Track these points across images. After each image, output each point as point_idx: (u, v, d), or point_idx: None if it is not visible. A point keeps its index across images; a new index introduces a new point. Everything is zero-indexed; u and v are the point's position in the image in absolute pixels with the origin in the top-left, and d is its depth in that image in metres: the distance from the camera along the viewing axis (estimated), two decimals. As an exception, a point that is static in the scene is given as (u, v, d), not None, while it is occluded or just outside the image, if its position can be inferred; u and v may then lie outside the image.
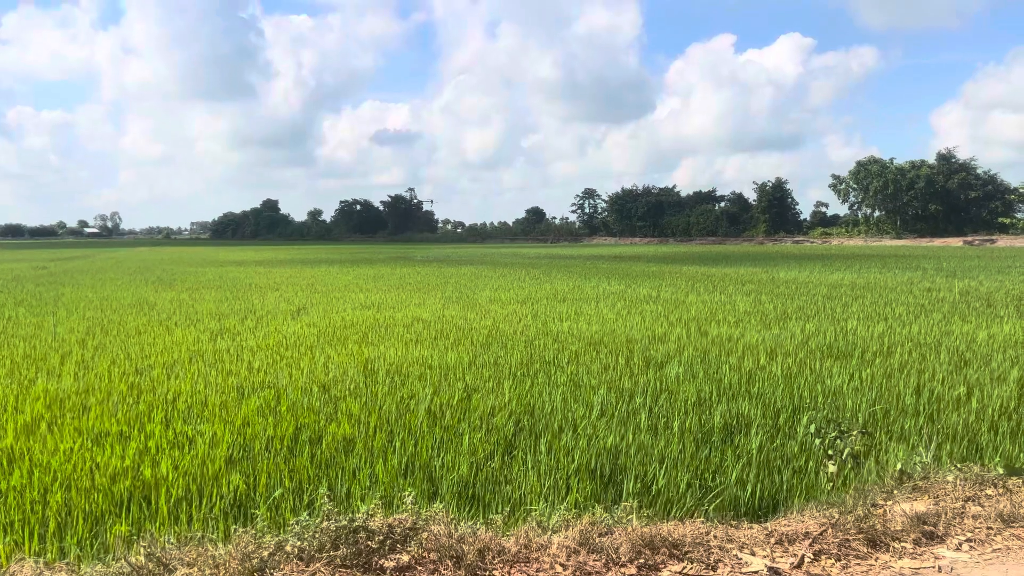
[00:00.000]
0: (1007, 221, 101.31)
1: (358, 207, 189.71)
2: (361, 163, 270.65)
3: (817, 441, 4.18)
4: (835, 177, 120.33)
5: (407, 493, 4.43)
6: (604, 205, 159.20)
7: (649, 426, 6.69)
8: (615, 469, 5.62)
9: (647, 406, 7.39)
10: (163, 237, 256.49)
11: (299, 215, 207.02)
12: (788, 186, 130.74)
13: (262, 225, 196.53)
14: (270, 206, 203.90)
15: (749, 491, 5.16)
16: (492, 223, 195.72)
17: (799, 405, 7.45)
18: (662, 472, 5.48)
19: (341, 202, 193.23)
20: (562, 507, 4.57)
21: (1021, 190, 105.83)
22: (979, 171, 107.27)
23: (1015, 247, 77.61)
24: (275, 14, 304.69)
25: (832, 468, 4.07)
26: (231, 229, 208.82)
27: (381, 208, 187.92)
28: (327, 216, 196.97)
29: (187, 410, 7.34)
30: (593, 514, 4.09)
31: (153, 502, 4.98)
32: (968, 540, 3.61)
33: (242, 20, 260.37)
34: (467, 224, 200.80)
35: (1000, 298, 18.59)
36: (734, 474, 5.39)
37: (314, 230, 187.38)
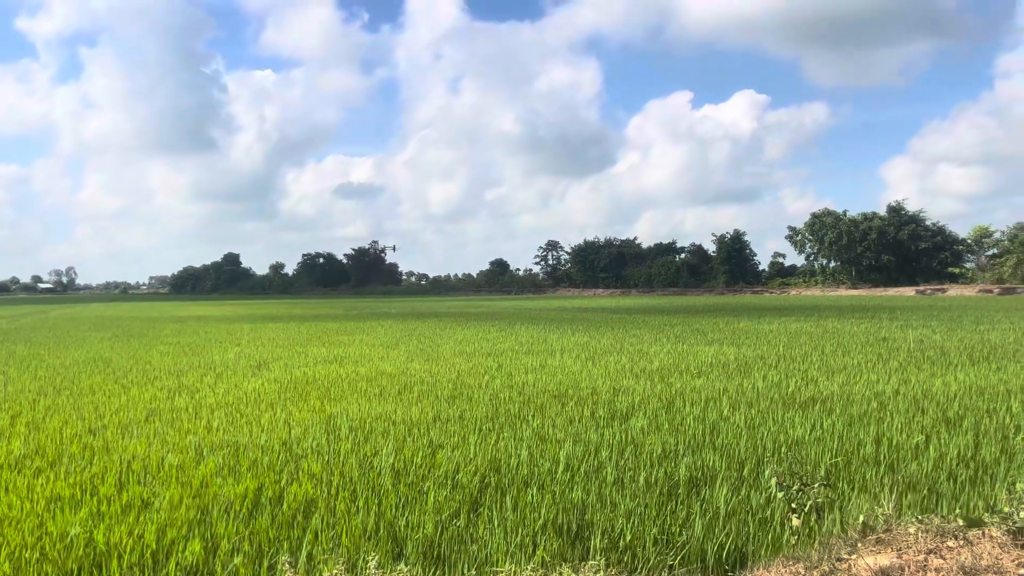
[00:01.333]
0: (956, 271, 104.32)
1: (321, 260, 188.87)
2: (324, 216, 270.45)
3: (781, 494, 4.21)
4: (791, 229, 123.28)
5: (371, 557, 4.34)
6: (567, 257, 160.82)
7: (615, 480, 6.66)
8: (582, 525, 5.57)
9: (613, 459, 7.37)
10: (120, 292, 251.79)
11: (261, 268, 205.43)
12: (746, 237, 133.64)
13: (223, 279, 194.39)
14: (231, 260, 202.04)
15: (716, 545, 5.15)
16: (456, 275, 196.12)
17: (763, 456, 7.49)
18: (629, 527, 5.44)
19: (304, 255, 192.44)
20: (529, 567, 4.51)
21: (969, 241, 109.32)
22: (928, 223, 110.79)
23: (965, 296, 79.83)
24: (238, 69, 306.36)
25: (796, 522, 4.09)
26: (191, 283, 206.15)
27: (344, 261, 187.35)
28: (289, 269, 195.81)
29: (143, 472, 7.13)
30: (560, 574, 4.04)
31: (106, 571, 4.80)
32: (931, 592, 3.63)
33: (205, 75, 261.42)
34: (431, 276, 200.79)
35: (953, 346, 19.03)
36: (700, 528, 5.38)
37: (276, 283, 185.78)
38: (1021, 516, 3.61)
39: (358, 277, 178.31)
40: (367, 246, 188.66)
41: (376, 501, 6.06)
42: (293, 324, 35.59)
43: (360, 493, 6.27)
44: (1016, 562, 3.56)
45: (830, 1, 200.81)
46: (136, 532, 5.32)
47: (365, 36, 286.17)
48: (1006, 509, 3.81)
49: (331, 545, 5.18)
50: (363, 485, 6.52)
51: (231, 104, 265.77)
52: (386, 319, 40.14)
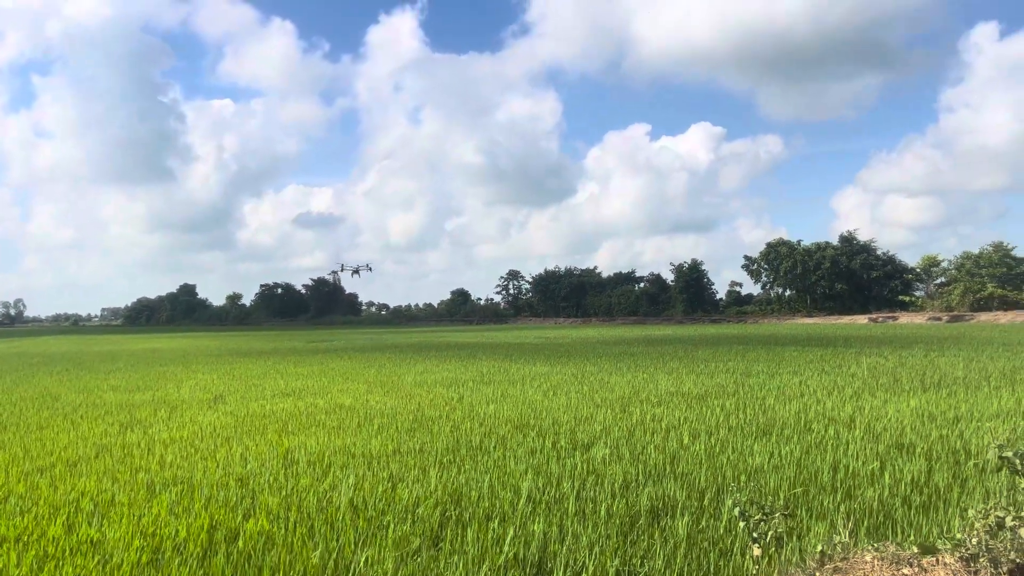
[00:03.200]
0: (907, 299, 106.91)
1: (279, 290, 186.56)
2: (283, 246, 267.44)
3: (742, 524, 4.24)
4: (747, 258, 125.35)
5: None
6: (528, 286, 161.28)
7: (577, 511, 6.65)
8: (544, 557, 5.54)
9: (575, 490, 7.35)
10: (71, 324, 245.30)
11: (218, 299, 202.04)
12: (704, 267, 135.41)
13: (179, 310, 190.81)
14: (187, 291, 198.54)
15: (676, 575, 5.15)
16: (417, 305, 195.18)
17: (723, 485, 7.54)
18: (591, 559, 5.42)
19: (262, 286, 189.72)
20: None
21: (918, 269, 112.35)
22: (879, 252, 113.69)
23: (915, 323, 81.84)
24: (197, 99, 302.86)
25: (757, 551, 4.12)
26: (145, 315, 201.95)
27: (303, 291, 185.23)
28: (247, 300, 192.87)
29: (92, 511, 6.91)
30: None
31: (51, 615, 4.62)
32: (888, 619, 3.67)
33: (162, 104, 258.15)
34: (392, 306, 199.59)
35: (905, 373, 19.45)
36: (662, 559, 5.39)
37: (233, 314, 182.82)
38: (973, 543, 3.70)
39: (317, 307, 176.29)
40: (327, 276, 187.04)
41: (334, 537, 5.96)
42: (252, 354, 34.96)
43: (318, 529, 6.15)
44: (968, 588, 3.63)
45: (782, 37, 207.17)
46: (84, 575, 5.14)
47: (326, 66, 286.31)
48: (959, 536, 3.89)
49: (288, 584, 5.06)
50: (321, 521, 6.40)
51: (189, 134, 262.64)
52: (345, 349, 39.65)
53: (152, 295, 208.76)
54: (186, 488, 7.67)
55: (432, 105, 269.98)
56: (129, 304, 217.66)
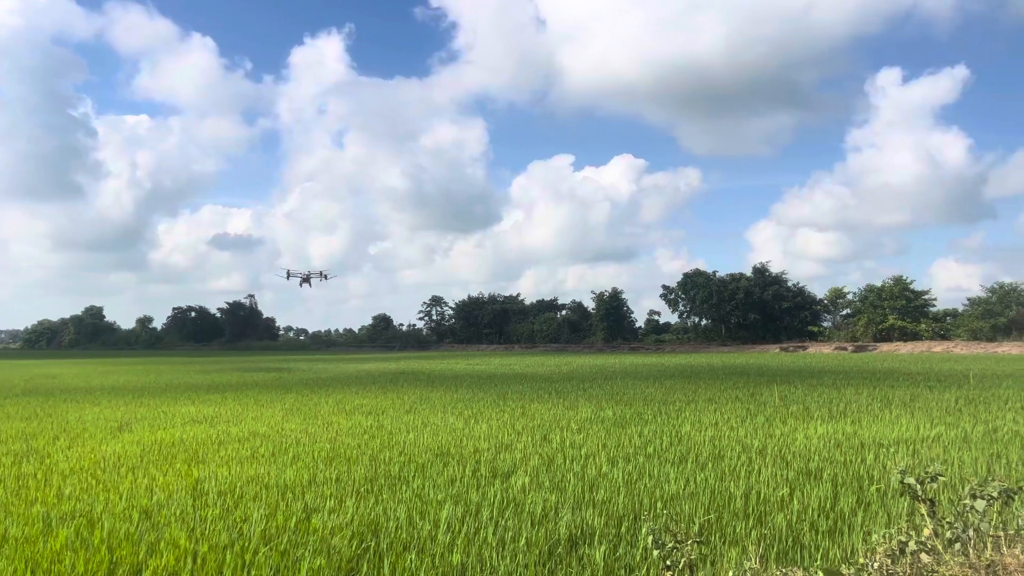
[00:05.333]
0: (815, 329, 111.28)
1: (192, 314, 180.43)
2: (198, 268, 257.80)
3: (656, 552, 4.30)
4: (665, 288, 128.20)
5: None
6: (451, 312, 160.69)
7: (496, 541, 6.61)
8: (462, 589, 5.48)
9: (494, 519, 7.31)
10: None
11: (127, 322, 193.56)
12: (624, 295, 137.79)
13: (84, 333, 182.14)
14: (94, 313, 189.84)
15: (595, 604, 5.17)
16: (338, 330, 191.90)
17: (640, 512, 7.64)
18: (509, 589, 5.39)
19: (174, 309, 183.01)
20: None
21: (825, 301, 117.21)
22: (790, 283, 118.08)
23: (823, 352, 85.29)
24: (110, 113, 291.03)
25: (671, 580, 4.19)
26: (47, 338, 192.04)
27: (218, 315, 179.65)
28: (158, 323, 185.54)
29: (-20, 547, 6.47)
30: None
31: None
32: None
33: (72, 118, 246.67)
34: (311, 332, 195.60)
35: (813, 401, 20.19)
36: (580, 587, 5.40)
37: (143, 338, 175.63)
38: (875, 567, 3.85)
39: (233, 332, 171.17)
40: (244, 299, 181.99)
41: (245, 572, 5.75)
42: (162, 379, 33.54)
43: (228, 564, 5.92)
44: (870, 611, 3.77)
45: (702, 74, 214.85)
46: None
47: (248, 86, 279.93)
48: (861, 560, 4.05)
49: (194, 622, 4.85)
50: (232, 555, 6.17)
51: (100, 149, 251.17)
52: (262, 374, 38.51)
53: (55, 317, 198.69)
54: (86, 522, 7.28)
55: (357, 128, 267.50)
56: (29, 327, 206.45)
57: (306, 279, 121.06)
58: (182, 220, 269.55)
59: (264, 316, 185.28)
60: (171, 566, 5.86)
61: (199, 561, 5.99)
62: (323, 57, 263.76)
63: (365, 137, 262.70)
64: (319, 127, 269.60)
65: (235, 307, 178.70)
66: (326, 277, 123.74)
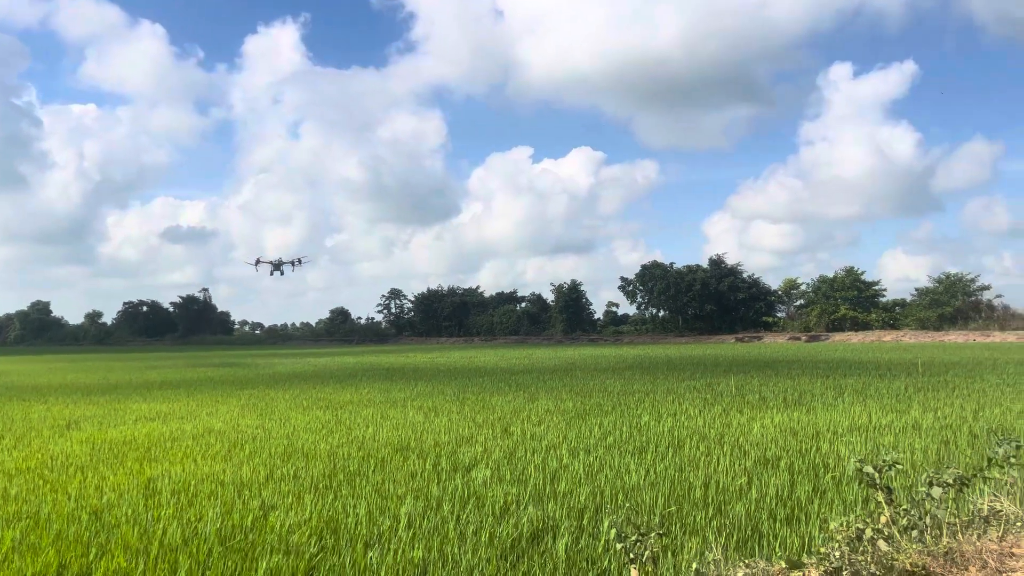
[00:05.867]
0: (770, 320, 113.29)
1: (144, 308, 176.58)
2: (150, 262, 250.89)
3: (619, 545, 4.29)
4: (623, 279, 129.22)
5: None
6: (410, 305, 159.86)
7: (457, 535, 6.55)
8: (423, 585, 5.41)
9: (455, 514, 7.26)
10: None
11: (76, 318, 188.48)
12: (583, 287, 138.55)
13: (29, 329, 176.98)
14: (40, 308, 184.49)
15: (557, 598, 5.15)
16: (295, 324, 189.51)
17: (601, 504, 7.65)
18: (471, 584, 5.34)
19: (125, 303, 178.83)
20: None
21: (780, 292, 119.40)
22: (745, 275, 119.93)
23: (777, 343, 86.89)
24: (54, 102, 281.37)
25: (634, 572, 4.18)
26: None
27: (171, 309, 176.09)
28: (108, 318, 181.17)
29: (-82, 553, 6.21)
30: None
31: None
32: (759, 633, 3.79)
33: (15, 107, 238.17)
34: (267, 326, 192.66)
35: (769, 391, 20.51)
36: (542, 581, 5.37)
37: (92, 334, 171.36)
38: (836, 556, 3.89)
39: (186, 326, 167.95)
40: (197, 293, 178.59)
41: (200, 572, 5.60)
42: (112, 375, 32.74)
43: (182, 564, 5.77)
44: (832, 599, 3.82)
45: (660, 68, 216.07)
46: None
47: (199, 74, 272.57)
48: (822, 550, 4.09)
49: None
50: (185, 555, 6.01)
51: (45, 139, 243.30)
52: (216, 370, 37.83)
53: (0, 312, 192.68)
54: (32, 524, 7.04)
55: (313, 119, 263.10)
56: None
57: (277, 267, 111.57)
58: (133, 212, 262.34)
59: (219, 310, 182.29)
60: (122, 568, 5.68)
61: (151, 562, 5.82)
62: (278, 46, 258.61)
63: (321, 128, 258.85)
64: (274, 117, 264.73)
65: (188, 301, 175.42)
66: (300, 263, 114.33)
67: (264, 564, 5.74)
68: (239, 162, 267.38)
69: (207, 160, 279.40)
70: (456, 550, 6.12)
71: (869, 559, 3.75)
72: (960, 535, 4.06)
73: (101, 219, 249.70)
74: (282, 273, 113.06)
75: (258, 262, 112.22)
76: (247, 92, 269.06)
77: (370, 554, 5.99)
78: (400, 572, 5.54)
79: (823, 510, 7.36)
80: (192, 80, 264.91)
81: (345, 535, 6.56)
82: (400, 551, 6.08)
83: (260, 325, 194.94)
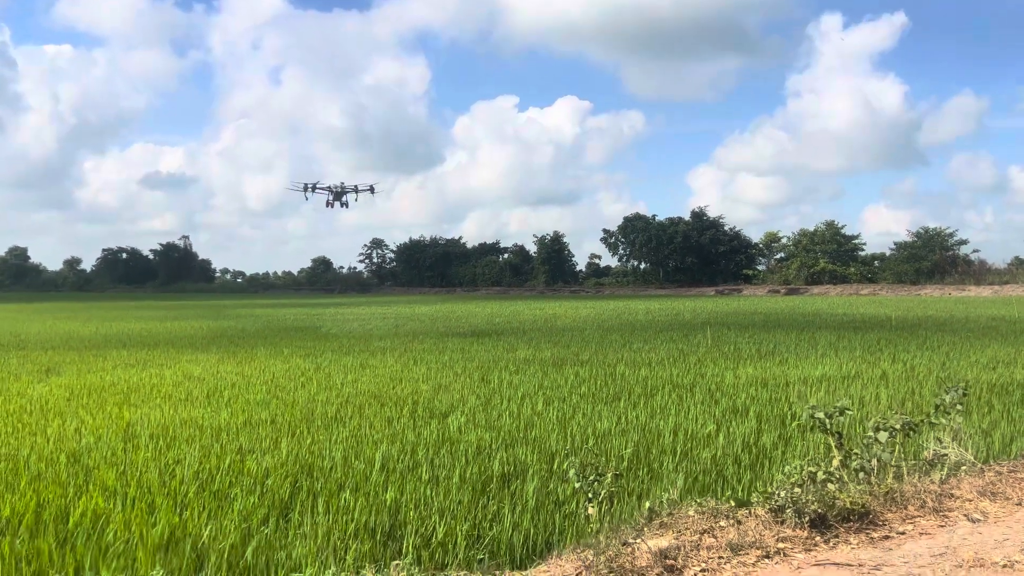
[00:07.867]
0: (750, 273, 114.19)
1: (124, 255, 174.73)
2: (129, 208, 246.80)
3: (576, 484, 4.46)
4: (606, 231, 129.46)
5: (157, 572, 4.10)
6: (392, 255, 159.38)
7: (430, 478, 6.73)
8: (395, 525, 5.59)
9: (429, 458, 7.43)
10: None
11: (54, 264, 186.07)
12: (565, 239, 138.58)
13: (7, 276, 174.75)
14: (18, 254, 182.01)
15: (523, 537, 5.34)
16: (276, 272, 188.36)
17: (573, 449, 7.85)
18: (442, 524, 5.52)
19: (104, 250, 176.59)
20: (330, 572, 4.46)
21: (760, 245, 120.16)
22: (726, 228, 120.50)
23: (757, 296, 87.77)
24: (28, 43, 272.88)
25: (591, 511, 4.36)
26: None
27: (151, 256, 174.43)
28: (88, 265, 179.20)
29: (-102, 493, 6.30)
30: None
31: None
32: (703, 570, 3.99)
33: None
34: (248, 274, 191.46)
35: (744, 342, 20.82)
36: (509, 522, 5.56)
37: (71, 280, 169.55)
38: (781, 495, 4.08)
39: (166, 274, 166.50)
40: (178, 241, 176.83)
41: (177, 512, 5.74)
42: (92, 321, 32.64)
43: (160, 504, 5.91)
44: (776, 537, 4.01)
45: (648, 15, 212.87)
46: None
47: (177, 15, 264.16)
48: (769, 489, 4.28)
49: (123, 562, 4.85)
50: (163, 496, 6.15)
51: (19, 81, 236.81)
52: (197, 319, 37.78)
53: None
54: (11, 465, 7.14)
55: (294, 64, 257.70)
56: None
57: (338, 196, 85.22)
58: (111, 158, 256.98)
59: (200, 258, 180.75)
60: (100, 507, 5.81)
61: (129, 502, 5.95)
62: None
63: (302, 73, 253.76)
64: (254, 62, 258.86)
65: (169, 249, 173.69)
66: (373, 191, 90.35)
67: (239, 505, 5.88)
68: (219, 107, 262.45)
69: (186, 105, 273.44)
70: (428, 492, 6.29)
71: (812, 497, 3.94)
72: (905, 477, 4.26)
73: (78, 164, 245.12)
74: (344, 205, 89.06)
75: (309, 188, 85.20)
76: (226, 35, 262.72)
77: (344, 496, 6.15)
78: (372, 514, 5.71)
79: (787, 456, 7.60)
80: (169, 20, 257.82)
81: (320, 478, 6.72)
82: (373, 492, 6.25)
83: (242, 273, 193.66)
